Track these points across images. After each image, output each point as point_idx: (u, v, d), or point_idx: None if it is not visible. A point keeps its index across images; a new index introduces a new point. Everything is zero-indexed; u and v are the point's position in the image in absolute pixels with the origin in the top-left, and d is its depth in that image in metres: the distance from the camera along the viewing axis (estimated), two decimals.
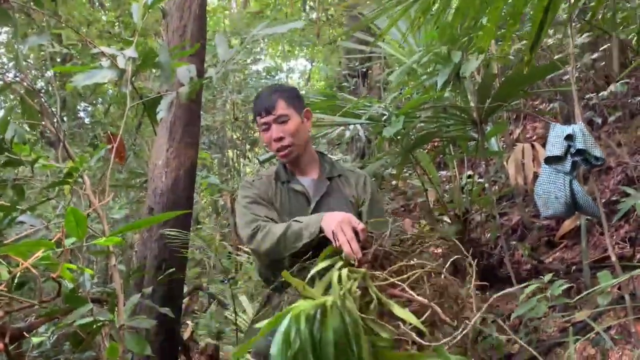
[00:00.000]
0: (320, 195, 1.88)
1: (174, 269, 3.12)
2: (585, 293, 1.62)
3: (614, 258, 2.12)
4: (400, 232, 1.70)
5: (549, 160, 2.32)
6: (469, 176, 4.42)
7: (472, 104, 3.06)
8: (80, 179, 2.23)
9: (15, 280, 1.73)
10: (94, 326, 2.47)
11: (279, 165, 1.99)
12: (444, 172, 5.02)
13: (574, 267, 3.40)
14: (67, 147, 2.41)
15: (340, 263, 1.43)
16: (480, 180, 4.15)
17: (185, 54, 3.22)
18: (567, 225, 3.83)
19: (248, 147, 8.67)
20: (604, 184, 4.12)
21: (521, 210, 4.21)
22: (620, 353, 2.56)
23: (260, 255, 1.78)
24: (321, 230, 1.58)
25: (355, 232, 1.49)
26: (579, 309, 2.93)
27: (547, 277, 2.24)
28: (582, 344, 2.76)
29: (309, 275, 1.38)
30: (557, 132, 2.27)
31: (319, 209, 1.86)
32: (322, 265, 1.43)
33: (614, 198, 3.67)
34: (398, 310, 1.25)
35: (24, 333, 2.36)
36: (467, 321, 1.29)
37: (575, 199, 2.26)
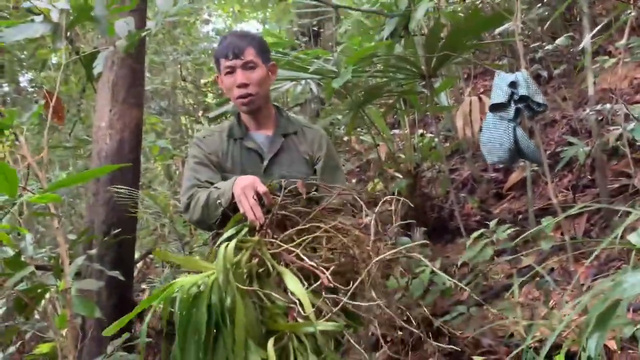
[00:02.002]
0: (274, 152, 1.85)
1: (120, 229, 3.05)
2: (527, 233, 1.66)
3: (555, 201, 2.18)
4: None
5: (494, 108, 2.35)
6: (421, 134, 4.46)
7: (421, 59, 3.06)
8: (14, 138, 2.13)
9: None
10: (38, 291, 2.40)
11: (233, 120, 1.93)
12: (396, 131, 5.05)
13: (520, 216, 3.50)
14: None
15: (245, 229, 1.41)
16: (431, 135, 4.20)
17: (125, 9, 3.07)
18: (514, 177, 3.93)
19: (201, 112, 8.48)
20: (549, 136, 4.25)
21: (470, 165, 4.29)
22: (562, 294, 2.68)
23: (193, 224, 1.80)
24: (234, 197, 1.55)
25: (260, 197, 1.46)
26: (525, 256, 3.04)
27: (493, 223, 2.29)
28: (527, 287, 2.88)
29: (215, 246, 1.34)
30: (501, 80, 2.29)
31: (272, 166, 1.84)
32: (229, 233, 1.41)
33: (558, 149, 3.79)
34: (288, 279, 1.23)
35: None
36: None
37: (519, 145, 2.31)
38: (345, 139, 4.42)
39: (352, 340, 1.25)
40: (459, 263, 2.43)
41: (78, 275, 2.86)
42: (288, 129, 1.92)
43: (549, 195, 3.63)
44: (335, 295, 1.25)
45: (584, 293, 1.90)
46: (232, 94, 1.82)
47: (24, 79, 7.10)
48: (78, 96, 6.36)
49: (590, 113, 2.72)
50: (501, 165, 4.21)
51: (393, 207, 1.54)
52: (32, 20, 2.15)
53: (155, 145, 5.36)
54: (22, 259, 2.23)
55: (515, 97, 2.26)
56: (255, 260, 1.32)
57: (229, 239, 1.37)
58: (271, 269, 1.29)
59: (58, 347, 2.57)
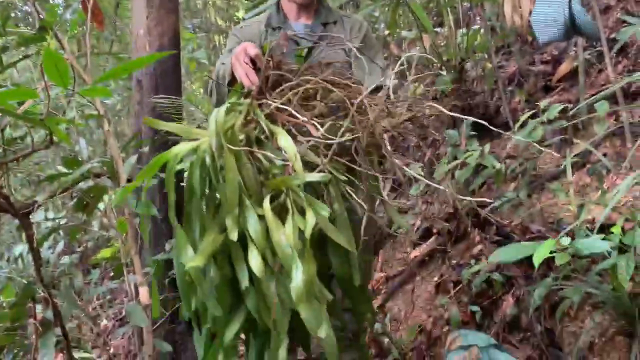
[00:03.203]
0: (312, 41, 1.81)
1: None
2: (580, 104, 1.59)
3: (613, 77, 2.07)
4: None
5: None
6: (464, 34, 4.26)
7: None
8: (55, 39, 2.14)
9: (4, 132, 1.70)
10: (96, 190, 2.51)
11: (272, 9, 1.91)
12: (439, 29, 4.84)
13: (571, 106, 3.37)
14: (37, 5, 2.27)
15: (243, 97, 1.38)
16: (476, 27, 4.00)
17: None
18: (564, 68, 3.75)
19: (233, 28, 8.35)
20: (602, 21, 3.98)
21: (517, 58, 4.10)
22: (615, 177, 2.61)
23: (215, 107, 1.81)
24: None
25: (254, 62, 1.41)
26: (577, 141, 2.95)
27: (544, 103, 2.21)
28: (578, 175, 2.81)
29: (213, 113, 1.33)
30: None
31: (310, 56, 1.80)
32: (231, 100, 1.38)
33: (612, 35, 3.56)
34: (280, 139, 1.21)
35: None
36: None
37: (575, 20, 2.17)
38: (387, 32, 4.26)
39: (353, 195, 1.22)
40: (508, 146, 2.37)
41: (129, 181, 2.97)
42: (328, 18, 1.89)
43: (602, 83, 3.47)
44: (329, 141, 1.19)
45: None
46: None
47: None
48: (112, 14, 6.32)
49: None
50: (549, 57, 4.02)
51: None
52: None
53: (193, 60, 5.34)
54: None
55: None
56: (252, 126, 1.31)
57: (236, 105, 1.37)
58: (266, 129, 1.26)
59: (121, 247, 2.72)
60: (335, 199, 1.19)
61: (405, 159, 4.10)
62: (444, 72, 3.79)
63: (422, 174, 2.82)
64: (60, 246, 3.14)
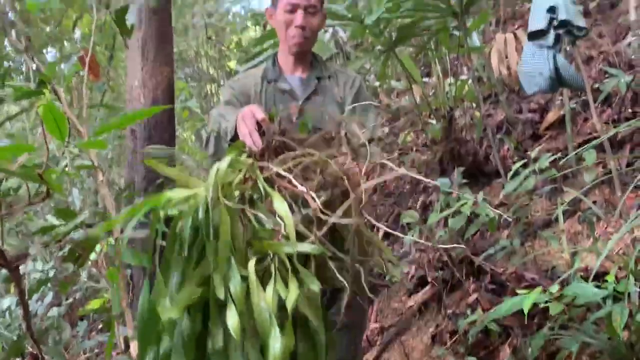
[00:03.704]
0: (307, 94, 1.86)
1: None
2: (569, 156, 1.63)
3: (599, 127, 2.13)
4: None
5: (532, 36, 2.28)
6: (452, 83, 4.38)
7: None
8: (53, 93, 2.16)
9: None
10: (89, 241, 2.48)
11: (268, 62, 1.95)
12: (427, 79, 4.97)
13: (559, 154, 3.44)
14: (36, 61, 2.31)
15: (244, 156, 1.38)
16: (464, 77, 4.11)
17: None
18: (551, 116, 3.84)
19: (225, 78, 8.50)
20: (586, 73, 4.11)
21: (505, 107, 4.21)
22: (606, 225, 2.64)
23: (211, 159, 1.81)
24: None
25: (259, 124, 1.43)
26: (567, 189, 2.99)
27: (534, 152, 2.25)
28: (569, 222, 2.84)
29: (215, 166, 1.29)
30: (540, 4, 2.21)
31: (305, 108, 1.84)
32: (228, 158, 1.40)
33: (596, 85, 3.67)
34: (275, 202, 1.20)
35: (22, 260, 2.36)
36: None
37: (560, 73, 2.25)
38: (377, 84, 4.37)
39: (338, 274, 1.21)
40: (501, 195, 2.40)
41: (121, 231, 2.95)
42: (323, 72, 1.92)
43: (588, 131, 3.56)
44: (325, 216, 1.20)
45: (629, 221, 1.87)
46: (287, 31, 1.82)
47: (49, 54, 7.19)
48: (106, 65, 6.43)
49: (633, 39, 2.62)
50: (536, 106, 4.12)
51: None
52: None
53: (186, 109, 5.41)
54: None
55: (555, 22, 2.19)
56: (249, 184, 1.31)
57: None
58: (263, 191, 1.26)
59: (112, 298, 2.67)
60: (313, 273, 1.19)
61: (400, 207, 4.13)
62: (434, 121, 3.87)
63: (416, 221, 2.83)
64: (49, 298, 3.08)
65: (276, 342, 1.07)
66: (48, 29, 6.68)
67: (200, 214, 1.23)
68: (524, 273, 2.58)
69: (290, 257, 1.16)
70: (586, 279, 2.00)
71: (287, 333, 1.09)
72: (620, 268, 2.11)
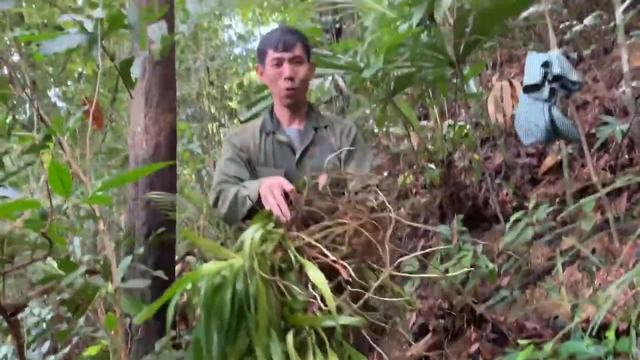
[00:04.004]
0: (305, 145, 1.89)
1: (164, 228, 3.12)
2: (569, 210, 1.65)
3: (595, 178, 2.16)
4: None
5: (528, 90, 2.33)
6: (451, 125, 4.44)
7: (448, 47, 3.05)
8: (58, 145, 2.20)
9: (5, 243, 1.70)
10: (89, 291, 2.47)
11: (265, 115, 1.98)
12: (425, 122, 5.03)
13: (557, 199, 3.46)
14: (42, 113, 2.36)
15: (271, 225, 1.38)
16: (461, 123, 4.17)
17: (154, 17, 3.16)
18: (549, 161, 3.88)
19: (226, 117, 8.61)
20: (581, 118, 4.17)
21: (503, 151, 4.26)
22: (606, 274, 2.63)
23: (222, 219, 1.82)
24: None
25: (287, 195, 1.46)
26: (566, 237, 3.00)
27: (532, 203, 2.27)
28: (569, 270, 2.84)
29: (239, 239, 1.32)
30: (534, 60, 2.27)
31: (303, 159, 1.87)
32: (253, 227, 1.38)
33: (592, 131, 3.72)
34: (311, 273, 1.21)
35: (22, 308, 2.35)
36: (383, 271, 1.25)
37: (555, 125, 2.29)
38: (376, 130, 4.42)
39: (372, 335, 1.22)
40: (500, 247, 2.41)
41: (122, 279, 2.95)
42: (319, 122, 1.96)
43: (585, 177, 3.59)
44: (358, 289, 1.22)
45: (629, 271, 1.88)
46: (277, 85, 1.86)
47: (52, 94, 7.30)
48: (108, 107, 6.53)
49: (626, 89, 2.68)
50: (534, 150, 4.17)
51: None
52: (68, 32, 2.24)
53: (187, 149, 5.46)
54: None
55: (549, 76, 2.24)
56: (279, 254, 1.32)
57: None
58: (294, 262, 1.26)
59: (110, 346, 2.64)
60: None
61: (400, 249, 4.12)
62: (432, 165, 3.91)
63: (417, 267, 2.83)
64: (46, 347, 3.04)
65: None
66: (51, 69, 6.80)
67: (239, 286, 1.22)
68: (525, 323, 2.57)
69: (328, 329, 1.17)
70: (588, 331, 1.99)
71: None
72: (621, 320, 2.10)
